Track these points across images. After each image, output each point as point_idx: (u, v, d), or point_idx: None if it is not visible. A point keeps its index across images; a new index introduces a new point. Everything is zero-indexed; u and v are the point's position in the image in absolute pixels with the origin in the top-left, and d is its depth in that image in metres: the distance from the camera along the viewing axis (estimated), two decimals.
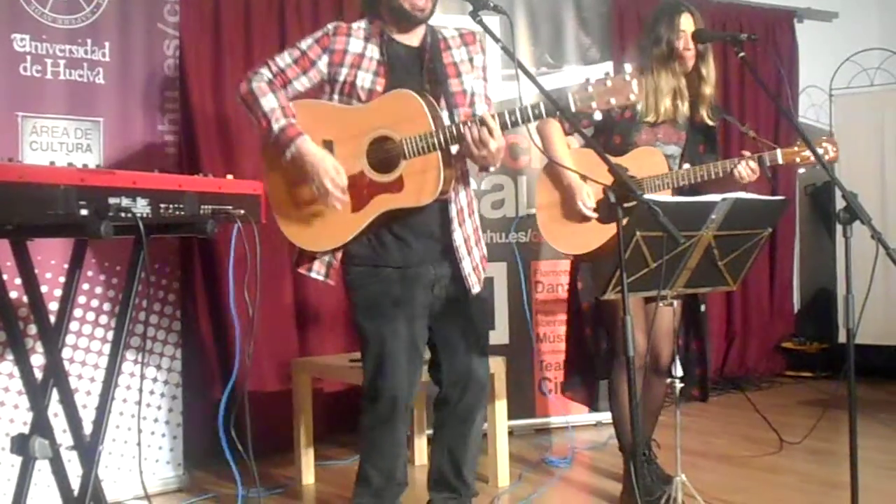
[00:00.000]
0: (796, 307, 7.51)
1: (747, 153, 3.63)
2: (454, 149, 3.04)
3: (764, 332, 7.18)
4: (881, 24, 7.60)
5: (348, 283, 3.17)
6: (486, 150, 2.91)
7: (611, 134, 3.78)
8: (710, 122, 3.83)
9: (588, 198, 3.65)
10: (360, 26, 3.14)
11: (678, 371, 3.31)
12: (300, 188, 3.07)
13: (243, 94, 3.09)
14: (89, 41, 4.09)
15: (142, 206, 2.52)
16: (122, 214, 2.46)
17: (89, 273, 4.02)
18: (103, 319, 4.08)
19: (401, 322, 3.11)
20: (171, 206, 2.61)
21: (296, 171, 3.02)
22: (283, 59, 3.11)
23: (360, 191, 3.02)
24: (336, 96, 3.11)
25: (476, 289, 3.22)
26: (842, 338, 6.44)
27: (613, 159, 3.61)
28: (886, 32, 7.40)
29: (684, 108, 3.77)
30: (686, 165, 3.75)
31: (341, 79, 3.08)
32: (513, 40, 3.00)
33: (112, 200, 2.44)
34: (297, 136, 2.99)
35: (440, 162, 2.96)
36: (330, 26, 3.13)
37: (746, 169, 3.59)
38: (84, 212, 2.37)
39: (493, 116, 2.90)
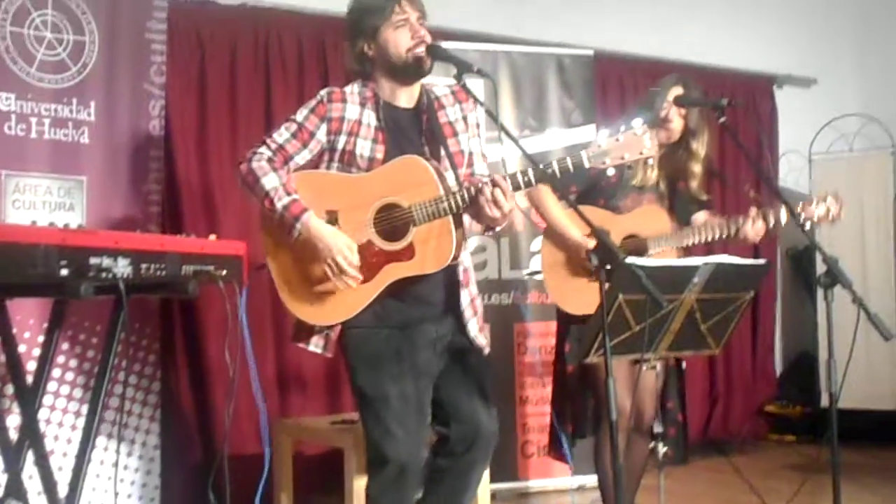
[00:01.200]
0: (779, 370, 7.51)
1: (753, 211, 3.62)
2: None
3: (747, 395, 7.17)
4: (859, 91, 7.71)
5: (346, 345, 3.04)
6: (500, 212, 2.84)
7: (596, 197, 3.77)
8: (702, 198, 3.85)
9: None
10: (353, 90, 3.07)
11: (657, 428, 3.29)
12: (309, 265, 2.97)
13: (244, 175, 3.00)
14: (75, 101, 4.11)
15: (123, 267, 2.52)
16: (103, 275, 2.45)
17: (69, 333, 3.99)
18: (82, 380, 4.04)
19: (405, 382, 2.98)
20: (152, 266, 2.61)
21: (304, 249, 2.94)
22: (281, 135, 3.02)
23: (368, 260, 2.94)
24: (335, 164, 3.04)
25: (486, 350, 3.16)
26: (824, 402, 6.44)
27: (615, 217, 3.68)
28: (864, 98, 7.50)
29: (667, 179, 3.79)
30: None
31: (340, 147, 3.01)
32: (496, 103, 3.00)
33: (93, 260, 2.44)
34: (302, 212, 2.90)
35: (452, 226, 2.90)
36: (323, 93, 3.06)
37: (753, 226, 3.59)
38: (64, 272, 2.37)
39: (504, 178, 2.85)
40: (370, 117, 3.02)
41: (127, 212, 4.19)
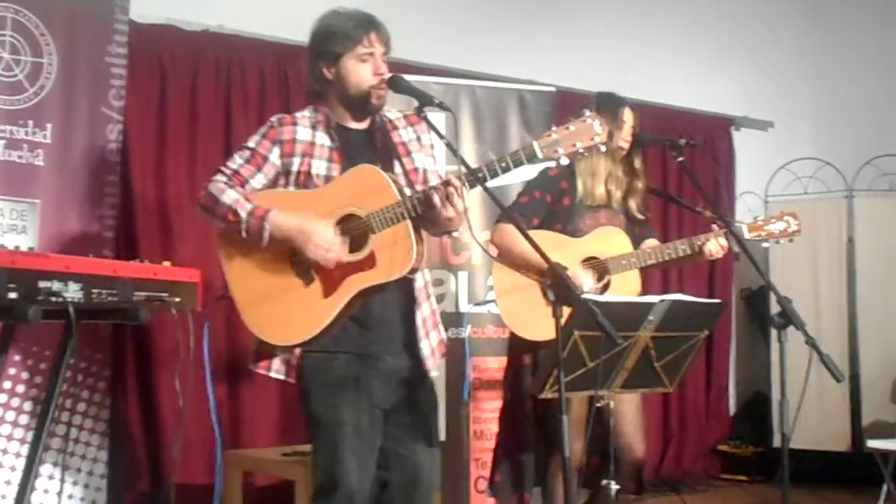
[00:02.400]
0: (732, 410, 7.55)
1: (715, 229, 3.66)
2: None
3: (700, 434, 7.19)
4: (814, 135, 7.84)
5: (301, 369, 2.97)
6: (455, 211, 2.80)
7: (552, 223, 3.78)
8: (640, 216, 3.89)
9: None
10: (304, 115, 3.08)
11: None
12: (266, 278, 2.94)
13: (203, 201, 2.96)
14: (31, 122, 4.06)
15: (73, 291, 2.47)
16: (53, 299, 2.41)
17: (16, 357, 3.92)
18: (28, 406, 3.96)
19: (361, 410, 2.94)
20: (104, 291, 2.56)
21: (268, 260, 2.91)
22: (235, 161, 3.01)
23: (331, 274, 2.89)
24: (291, 187, 3.02)
25: (433, 373, 3.11)
26: (777, 442, 6.48)
27: (573, 240, 3.70)
28: (819, 143, 7.63)
29: (618, 194, 3.82)
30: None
31: (295, 168, 2.99)
32: (457, 137, 3.02)
33: (42, 284, 2.40)
34: (267, 212, 2.87)
35: (410, 231, 2.86)
36: (274, 119, 3.06)
37: (716, 243, 3.62)
38: (13, 295, 2.33)
39: (457, 177, 2.83)
40: (323, 138, 3.01)
41: (81, 236, 4.14)
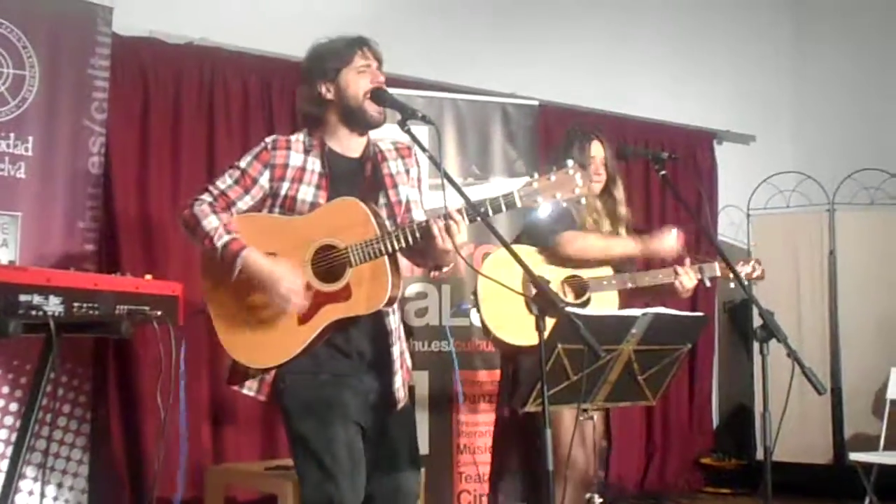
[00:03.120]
0: (715, 423, 7.56)
1: (687, 263, 3.73)
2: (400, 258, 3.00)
3: (683, 447, 7.19)
4: (796, 149, 7.89)
5: (281, 391, 2.99)
6: (452, 244, 2.83)
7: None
8: None
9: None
10: (298, 139, 3.09)
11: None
12: (247, 306, 2.96)
13: (185, 219, 2.98)
14: (12, 135, 4.05)
15: (54, 305, 2.46)
16: (33, 312, 2.39)
17: None
18: (9, 420, 3.93)
19: (344, 427, 2.95)
20: (84, 305, 2.55)
21: (244, 288, 2.93)
22: (224, 182, 3.02)
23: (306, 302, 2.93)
24: (276, 210, 3.04)
25: (401, 404, 3.13)
26: (759, 455, 6.49)
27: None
28: (801, 157, 7.68)
29: (605, 224, 3.89)
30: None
31: (283, 193, 3.01)
32: (440, 150, 3.00)
33: (23, 298, 2.39)
34: (241, 249, 2.89)
35: (387, 267, 2.89)
36: (269, 140, 3.07)
37: (688, 277, 3.70)
38: None
39: (458, 211, 2.85)
40: (315, 164, 3.03)
41: (62, 249, 4.11)
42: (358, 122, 3.07)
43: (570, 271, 3.77)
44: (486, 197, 2.88)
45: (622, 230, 3.92)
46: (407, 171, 3.19)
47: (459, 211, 2.85)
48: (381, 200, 3.08)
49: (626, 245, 3.80)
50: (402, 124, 2.92)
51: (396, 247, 2.86)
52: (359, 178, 3.08)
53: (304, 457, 2.97)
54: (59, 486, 4.09)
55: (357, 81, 3.04)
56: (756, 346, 3.18)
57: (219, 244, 2.89)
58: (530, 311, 3.64)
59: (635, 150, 3.97)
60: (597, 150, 3.89)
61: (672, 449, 7.13)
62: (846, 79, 7.79)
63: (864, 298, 6.62)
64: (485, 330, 3.87)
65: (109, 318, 2.63)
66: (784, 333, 3.11)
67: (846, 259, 6.72)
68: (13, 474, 2.58)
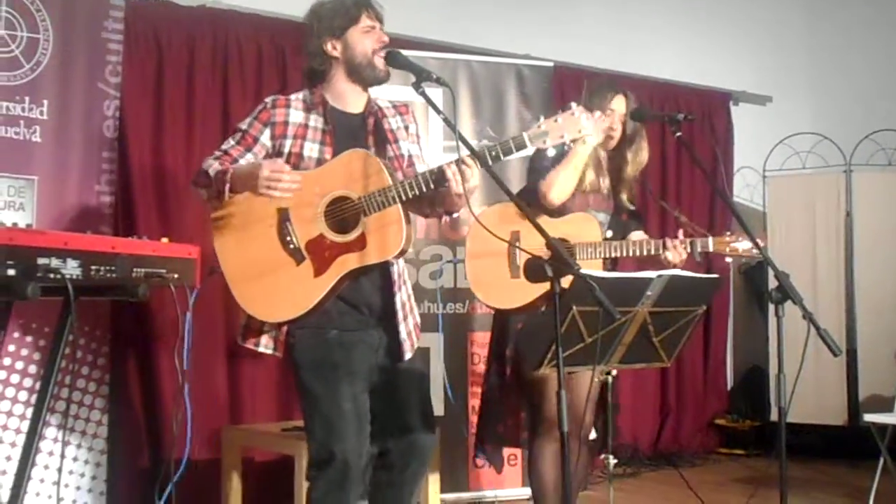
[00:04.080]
0: (729, 384, 7.57)
1: (680, 237, 3.69)
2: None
3: (698, 408, 7.22)
4: (813, 110, 7.83)
5: (293, 346, 3.06)
6: (467, 188, 2.89)
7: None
8: (629, 206, 3.91)
9: None
10: (298, 97, 3.15)
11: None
12: (257, 256, 3.00)
13: (194, 178, 3.07)
14: (27, 99, 4.04)
15: (72, 268, 2.47)
16: (51, 276, 2.41)
17: (15, 334, 3.92)
18: (28, 382, 3.97)
19: (350, 384, 3.02)
20: (102, 268, 2.56)
21: (255, 238, 2.99)
22: (227, 143, 3.11)
23: (321, 254, 2.97)
24: None
25: (408, 354, 3.19)
26: (774, 416, 6.50)
27: (550, 220, 3.70)
28: (818, 118, 7.61)
29: (605, 181, 3.83)
30: (609, 233, 3.82)
31: (287, 150, 3.07)
32: (455, 113, 3.02)
33: (41, 261, 2.40)
34: (229, 168, 2.97)
35: (401, 214, 2.93)
36: (268, 100, 3.14)
37: (674, 252, 3.65)
38: (11, 272, 2.32)
39: (469, 156, 2.89)
40: (317, 121, 3.09)
41: (78, 212, 4.13)
42: (365, 77, 3.13)
43: (561, 234, 3.73)
44: (496, 142, 2.92)
45: (622, 191, 3.88)
46: (406, 128, 3.28)
47: (470, 156, 2.89)
48: (388, 152, 3.15)
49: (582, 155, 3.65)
50: (417, 86, 2.91)
51: (410, 194, 2.90)
52: (362, 133, 3.14)
53: (311, 413, 3.05)
54: (79, 446, 4.13)
55: (364, 40, 3.10)
56: (771, 307, 3.17)
57: (213, 173, 2.96)
58: (511, 273, 3.70)
59: (651, 112, 3.93)
60: (618, 104, 3.83)
61: (686, 410, 7.15)
62: (863, 39, 7.71)
63: (880, 260, 6.60)
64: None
65: (127, 281, 2.64)
66: (799, 295, 3.10)
67: (862, 220, 6.69)
68: (34, 435, 2.60)
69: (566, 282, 2.72)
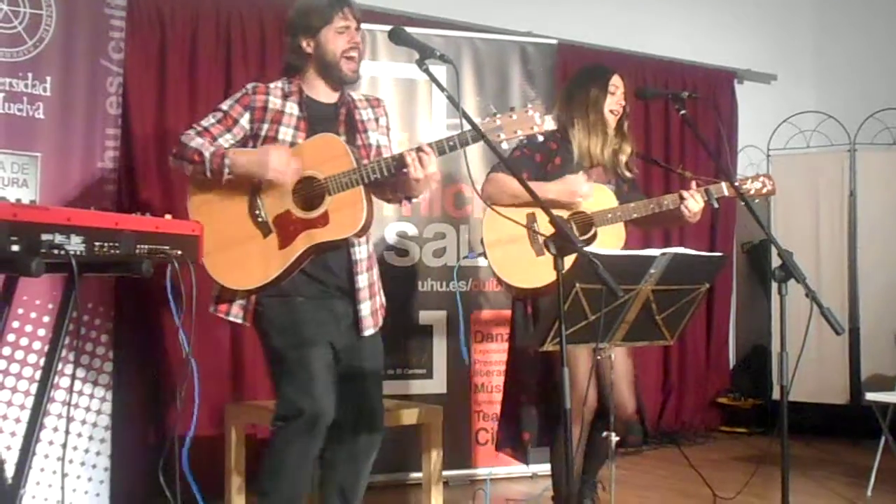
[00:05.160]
0: (732, 363, 7.58)
1: (693, 186, 3.72)
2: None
3: (700, 386, 7.23)
4: (817, 89, 7.81)
5: (259, 313, 3.27)
6: (425, 174, 3.11)
7: (546, 181, 3.81)
8: (629, 175, 3.97)
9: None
10: (277, 85, 3.34)
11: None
12: (227, 228, 3.20)
13: (175, 152, 3.26)
14: (30, 75, 4.03)
15: (76, 244, 2.47)
16: (55, 251, 2.40)
17: (19, 310, 3.93)
18: (32, 358, 3.98)
19: (318, 345, 3.22)
20: (106, 244, 2.56)
21: (227, 208, 3.20)
22: (207, 120, 3.28)
23: (287, 228, 3.18)
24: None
25: (369, 331, 3.38)
26: (776, 394, 6.51)
27: None
28: (822, 97, 7.60)
29: (609, 154, 3.88)
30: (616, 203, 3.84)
31: (263, 133, 3.27)
32: (458, 90, 3.05)
33: (45, 237, 2.39)
34: (226, 152, 3.17)
35: (363, 195, 3.14)
36: (249, 86, 3.33)
37: (693, 200, 3.69)
38: (15, 248, 2.32)
39: (428, 145, 3.13)
40: (293, 108, 3.30)
41: (82, 189, 4.13)
42: (333, 77, 3.34)
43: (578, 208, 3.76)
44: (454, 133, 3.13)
45: (622, 162, 3.92)
46: (377, 120, 3.47)
47: (430, 144, 3.12)
48: (358, 141, 3.35)
49: (543, 190, 3.68)
50: (421, 63, 2.97)
51: (372, 177, 3.11)
52: (334, 122, 3.35)
53: (280, 373, 3.25)
54: (83, 422, 4.14)
55: (336, 40, 3.28)
56: (774, 286, 3.18)
57: (206, 154, 3.16)
58: (535, 252, 3.75)
59: (654, 90, 3.96)
60: (618, 81, 3.91)
61: (689, 388, 7.16)
62: (868, 17, 7.67)
63: (883, 239, 6.59)
64: (495, 275, 3.89)
65: (130, 258, 2.63)
66: (803, 274, 3.10)
67: (866, 199, 6.68)
68: (38, 411, 2.61)
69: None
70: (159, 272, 2.78)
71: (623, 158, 3.92)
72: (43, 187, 4.02)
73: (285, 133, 3.26)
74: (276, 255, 3.18)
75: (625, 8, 6.94)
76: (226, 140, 3.25)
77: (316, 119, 3.30)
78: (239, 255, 3.20)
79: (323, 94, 3.37)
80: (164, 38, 5.05)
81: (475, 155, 4.98)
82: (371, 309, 3.38)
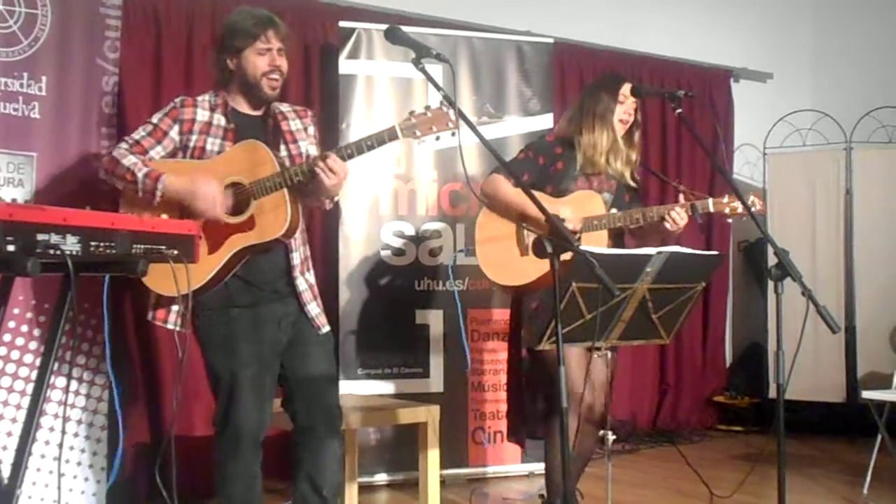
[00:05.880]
0: (728, 361, 7.59)
1: (681, 202, 3.72)
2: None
3: (696, 385, 7.24)
4: (813, 87, 7.81)
5: (198, 327, 3.32)
6: (336, 178, 3.18)
7: (544, 185, 3.86)
8: (633, 184, 3.99)
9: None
10: (204, 98, 3.42)
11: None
12: None
13: (105, 165, 3.34)
14: (26, 75, 4.03)
15: (71, 244, 2.46)
16: (51, 251, 2.39)
17: (15, 311, 3.92)
18: (28, 358, 3.98)
19: (250, 359, 3.27)
20: (101, 244, 2.55)
21: (166, 210, 3.26)
22: (138, 133, 3.36)
23: (214, 234, 3.22)
24: (187, 159, 3.36)
25: (325, 329, 3.46)
26: (772, 393, 6.52)
27: (554, 200, 3.74)
28: (818, 95, 7.60)
29: (616, 164, 3.90)
30: (613, 211, 3.86)
31: (192, 144, 3.35)
32: (454, 89, 3.05)
33: (41, 237, 2.38)
34: (160, 175, 3.22)
35: (286, 198, 3.19)
36: (177, 100, 3.40)
37: (676, 214, 3.69)
38: (11, 248, 2.31)
39: (331, 151, 3.21)
40: (220, 120, 3.38)
41: (77, 189, 4.11)
42: (254, 95, 3.39)
43: (564, 211, 3.77)
44: (370, 133, 3.21)
45: (627, 171, 3.94)
46: (305, 129, 3.53)
47: (340, 149, 3.21)
48: (283, 153, 3.41)
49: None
50: (417, 62, 2.97)
51: (295, 180, 3.18)
52: (261, 132, 3.41)
53: (215, 386, 3.34)
54: (79, 422, 4.14)
55: (256, 62, 3.34)
56: (770, 284, 3.18)
57: (139, 174, 3.23)
58: (520, 251, 3.77)
59: (650, 89, 3.96)
60: (628, 91, 3.91)
61: (685, 387, 7.17)
62: (865, 15, 7.68)
63: (879, 237, 6.60)
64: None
65: (126, 258, 2.62)
66: (799, 272, 3.10)
67: (863, 198, 6.69)
68: (34, 412, 2.60)
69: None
70: None
71: (628, 169, 3.94)
72: (39, 187, 4.01)
73: (213, 143, 3.34)
74: (206, 259, 3.21)
75: (621, 7, 6.95)
76: (156, 152, 3.34)
77: (243, 129, 3.37)
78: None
79: (248, 107, 3.44)
80: (160, 38, 5.05)
81: (472, 154, 4.98)
82: (318, 309, 3.46)
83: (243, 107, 3.43)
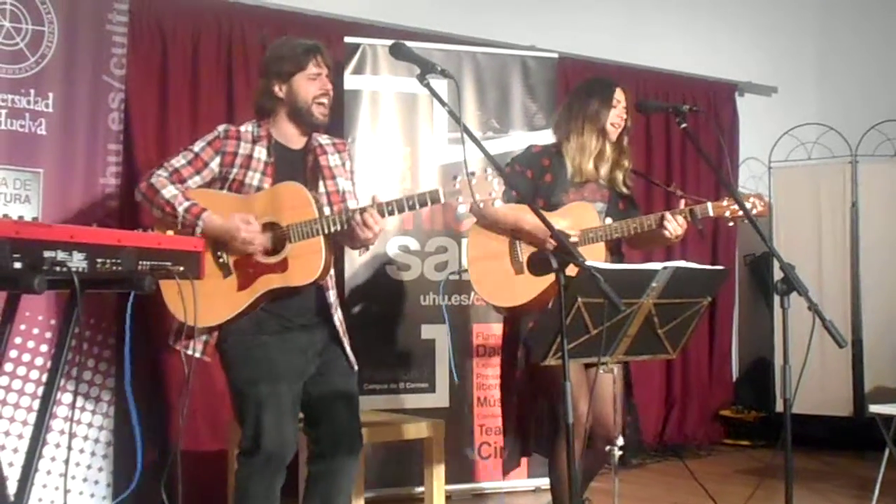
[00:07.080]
0: (735, 376, 7.57)
1: (682, 204, 3.70)
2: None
3: (703, 399, 7.22)
4: (818, 100, 7.81)
5: (224, 352, 3.33)
6: (371, 233, 3.21)
7: (534, 198, 3.80)
8: (626, 191, 3.93)
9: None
10: (247, 129, 3.40)
11: (619, 440, 3.33)
12: None
13: (143, 191, 3.31)
14: (32, 91, 4.05)
15: (78, 261, 2.47)
16: (57, 268, 2.40)
17: (22, 327, 3.94)
18: (34, 375, 3.99)
19: (279, 385, 3.26)
20: (108, 261, 2.55)
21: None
22: (178, 161, 3.34)
23: (247, 271, 3.24)
24: (225, 191, 3.35)
25: (356, 368, 3.48)
26: (779, 407, 6.51)
27: (548, 214, 3.70)
28: (823, 108, 7.60)
29: (605, 170, 3.85)
30: (608, 220, 3.82)
31: (231, 177, 3.34)
32: (459, 104, 3.06)
33: (47, 254, 2.39)
34: (202, 212, 3.22)
35: (323, 247, 3.21)
36: (220, 129, 3.39)
37: (674, 223, 3.65)
38: (18, 265, 2.32)
39: (372, 206, 3.20)
40: (262, 153, 3.35)
41: (84, 205, 4.14)
42: (304, 121, 3.39)
43: (560, 226, 3.74)
44: (414, 193, 3.22)
45: (619, 178, 3.88)
46: (343, 165, 3.52)
47: (380, 206, 3.20)
48: (321, 189, 3.40)
49: (523, 221, 3.72)
50: (422, 78, 2.98)
51: (333, 229, 3.18)
52: (300, 168, 3.40)
53: (241, 408, 3.31)
54: (85, 439, 4.15)
55: (307, 87, 3.34)
56: (777, 299, 3.18)
57: (180, 209, 3.22)
58: (515, 270, 3.74)
59: (655, 104, 3.94)
60: (620, 96, 3.87)
61: (692, 401, 7.15)
62: (869, 28, 7.69)
63: (885, 251, 6.59)
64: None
65: (132, 274, 2.63)
66: (805, 286, 3.10)
67: (868, 211, 6.68)
68: (40, 428, 2.61)
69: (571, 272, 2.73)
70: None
71: (620, 175, 3.89)
72: (45, 203, 4.03)
73: (252, 177, 3.33)
74: (234, 296, 3.24)
75: (626, 21, 6.96)
76: (194, 182, 3.33)
77: (283, 164, 3.37)
78: (201, 294, 3.09)
79: (291, 138, 3.42)
80: (166, 54, 5.07)
81: (476, 169, 4.98)
82: (349, 346, 3.47)
83: (286, 138, 3.42)
